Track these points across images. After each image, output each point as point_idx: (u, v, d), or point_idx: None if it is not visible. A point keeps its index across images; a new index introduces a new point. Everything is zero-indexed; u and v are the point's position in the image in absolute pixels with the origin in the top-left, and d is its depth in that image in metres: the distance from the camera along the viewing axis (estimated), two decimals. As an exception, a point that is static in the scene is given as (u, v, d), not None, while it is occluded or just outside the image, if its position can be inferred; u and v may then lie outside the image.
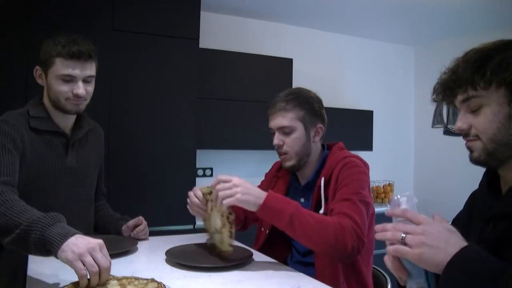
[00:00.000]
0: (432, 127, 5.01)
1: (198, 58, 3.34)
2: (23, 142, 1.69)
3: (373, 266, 1.78)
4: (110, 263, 1.19)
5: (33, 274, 1.36)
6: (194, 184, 3.32)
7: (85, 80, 1.75)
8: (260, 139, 3.83)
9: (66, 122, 1.84)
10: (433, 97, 1.15)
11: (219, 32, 4.18)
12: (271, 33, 4.48)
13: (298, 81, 4.32)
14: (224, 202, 1.45)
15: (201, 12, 3.38)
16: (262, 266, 1.54)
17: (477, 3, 3.72)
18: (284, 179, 1.94)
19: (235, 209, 1.93)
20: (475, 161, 1.06)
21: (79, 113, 1.87)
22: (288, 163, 1.81)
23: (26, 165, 1.70)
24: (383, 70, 5.18)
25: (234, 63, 3.92)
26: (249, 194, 1.46)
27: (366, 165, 1.79)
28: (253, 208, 1.47)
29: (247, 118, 3.86)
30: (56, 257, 1.19)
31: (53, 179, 1.78)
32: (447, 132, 4.83)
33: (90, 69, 1.76)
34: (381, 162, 4.93)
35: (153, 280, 1.21)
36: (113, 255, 1.57)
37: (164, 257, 1.57)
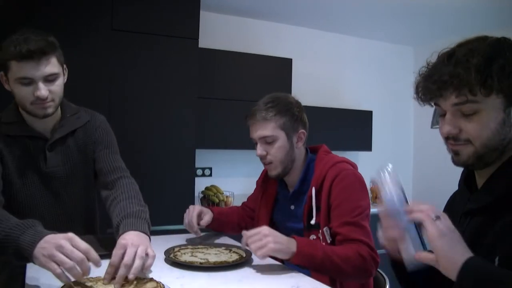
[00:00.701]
0: (431, 127, 5.03)
1: (198, 58, 3.34)
2: (1, 151, 1.61)
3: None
4: (85, 250, 1.17)
5: (32, 275, 1.35)
6: (193, 183, 3.33)
7: (47, 80, 1.55)
8: (259, 139, 3.84)
9: (44, 124, 1.69)
10: (415, 95, 1.16)
11: (218, 32, 4.18)
12: (270, 33, 4.48)
13: (298, 81, 4.33)
14: (258, 254, 1.46)
15: (201, 12, 3.38)
16: (261, 266, 1.54)
17: (477, 3, 3.73)
18: (272, 187, 1.93)
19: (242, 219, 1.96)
20: (462, 164, 1.06)
21: (62, 110, 1.74)
22: (274, 172, 1.80)
23: (8, 173, 1.63)
24: (383, 70, 5.18)
25: (234, 63, 3.92)
26: (280, 243, 1.48)
27: (354, 166, 1.80)
28: (285, 256, 1.49)
29: (246, 118, 3.86)
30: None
31: (37, 185, 1.69)
32: (447, 132, 4.83)
33: (48, 66, 1.54)
34: (380, 162, 4.87)
35: (152, 279, 1.21)
36: (110, 255, 1.57)
37: (163, 256, 1.57)
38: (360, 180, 1.72)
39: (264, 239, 1.45)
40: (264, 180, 1.97)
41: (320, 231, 1.68)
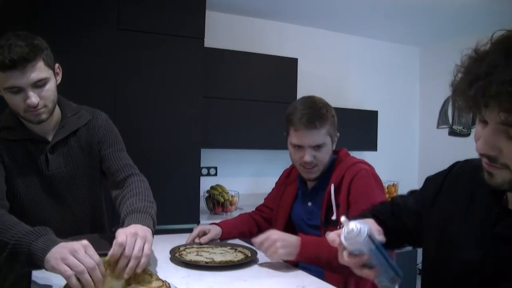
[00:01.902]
0: (437, 127, 5.02)
1: (203, 58, 3.35)
2: (1, 156, 1.60)
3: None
4: (98, 262, 1.17)
5: (38, 275, 1.36)
6: (198, 183, 3.33)
7: (36, 86, 1.50)
8: (264, 138, 3.84)
9: (44, 127, 1.65)
10: (456, 101, 0.92)
11: (224, 31, 4.18)
12: (276, 33, 4.48)
13: (303, 81, 4.33)
14: (272, 260, 1.54)
15: (206, 12, 3.38)
16: (267, 265, 1.54)
17: (482, 4, 3.71)
18: (293, 185, 1.97)
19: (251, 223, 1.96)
20: (495, 186, 0.91)
21: (61, 110, 1.71)
22: (315, 175, 1.83)
23: (11, 177, 1.61)
24: (388, 70, 5.17)
25: (239, 62, 3.92)
26: (288, 246, 1.52)
27: (371, 167, 1.83)
28: (292, 258, 1.53)
29: (252, 117, 3.86)
30: (46, 269, 1.19)
31: (40, 188, 1.66)
32: (452, 132, 4.82)
33: (35, 73, 1.48)
34: (385, 163, 4.92)
35: (157, 279, 1.22)
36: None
37: (169, 255, 1.58)
38: (377, 179, 1.77)
39: (274, 245, 1.50)
40: (286, 179, 2.03)
41: (338, 227, 1.68)
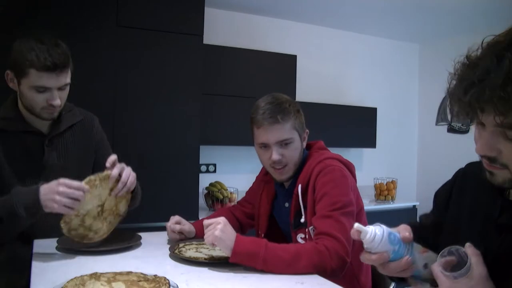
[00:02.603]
0: (436, 124, 5.02)
1: (202, 54, 3.35)
2: None
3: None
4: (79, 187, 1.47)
5: (38, 270, 1.36)
6: (197, 179, 3.34)
7: (61, 89, 1.67)
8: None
9: (42, 121, 1.75)
10: (452, 107, 0.92)
11: (223, 28, 4.18)
12: (275, 30, 4.48)
13: (302, 77, 4.33)
14: (206, 241, 1.43)
15: (205, 8, 3.38)
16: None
17: (482, 2, 3.71)
18: (271, 184, 1.88)
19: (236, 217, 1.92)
20: (497, 184, 0.93)
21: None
22: (285, 176, 1.74)
23: (4, 168, 1.67)
24: (387, 67, 5.17)
25: (238, 59, 3.92)
26: (225, 234, 1.41)
27: (347, 164, 1.72)
28: (226, 251, 1.42)
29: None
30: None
31: (32, 180, 1.66)
32: (451, 129, 4.83)
33: (65, 78, 1.66)
34: (384, 160, 4.93)
35: (156, 276, 1.22)
36: (117, 250, 1.59)
37: (168, 252, 1.58)
38: (344, 176, 1.64)
39: (215, 227, 1.42)
40: (265, 175, 1.93)
41: (307, 229, 1.64)
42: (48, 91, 1.63)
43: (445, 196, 1.19)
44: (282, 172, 1.73)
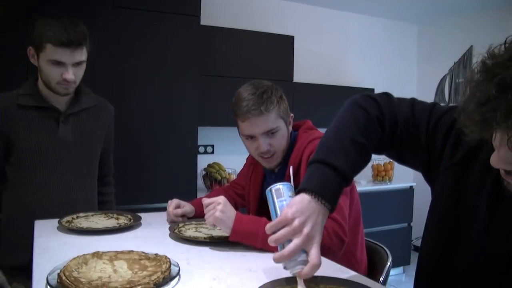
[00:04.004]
0: (434, 105, 5.02)
1: (200, 35, 3.33)
2: (7, 124, 1.81)
3: (373, 242, 1.80)
4: None
5: (40, 249, 1.38)
6: (196, 160, 3.35)
7: (75, 65, 1.79)
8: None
9: (59, 99, 1.89)
10: (464, 121, 0.84)
11: (220, 9, 4.16)
12: (272, 10, 4.45)
13: (300, 58, 4.31)
14: (207, 221, 1.44)
15: (203, -11, 3.35)
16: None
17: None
18: (260, 167, 1.88)
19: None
20: None
21: (77, 90, 1.94)
22: (274, 163, 1.74)
23: (18, 142, 1.81)
24: (385, 48, 5.16)
25: (236, 40, 3.90)
26: (225, 214, 1.42)
27: None
28: (226, 230, 1.43)
29: (248, 95, 3.86)
30: None
31: (46, 153, 1.85)
32: (448, 110, 4.83)
33: (80, 55, 1.79)
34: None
35: (157, 255, 1.24)
36: (117, 230, 1.62)
37: (168, 232, 1.60)
38: None
39: (215, 207, 1.43)
40: (253, 159, 1.92)
41: None
42: (63, 66, 1.75)
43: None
44: (271, 161, 1.73)
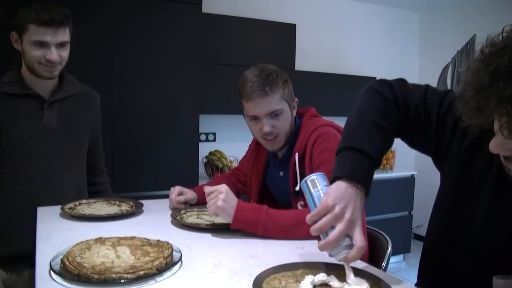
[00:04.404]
0: (435, 94, 5.01)
1: (201, 23, 3.32)
2: None
3: (373, 229, 1.81)
4: None
5: (43, 235, 1.39)
6: (197, 148, 3.36)
7: (59, 46, 1.77)
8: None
9: (43, 85, 1.86)
10: (461, 108, 0.86)
11: (222, -4, 4.14)
12: (274, -2, 4.43)
13: (301, 46, 4.30)
14: (209, 210, 1.45)
15: (204, -24, 3.34)
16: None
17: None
18: (263, 153, 1.90)
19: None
20: None
21: (60, 77, 1.91)
22: (277, 146, 1.75)
23: (4, 130, 1.78)
24: (388, 36, 5.14)
25: (237, 28, 3.89)
26: (227, 203, 1.43)
27: (339, 129, 1.70)
28: (228, 219, 1.44)
29: (250, 83, 3.85)
30: None
31: (32, 140, 1.82)
32: (450, 99, 4.82)
33: (63, 35, 1.76)
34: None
35: (159, 241, 1.25)
36: (119, 217, 1.62)
37: (170, 219, 1.61)
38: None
39: (217, 196, 1.44)
40: (256, 146, 1.94)
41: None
42: (47, 47, 1.73)
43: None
44: (274, 143, 1.74)
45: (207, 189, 1.50)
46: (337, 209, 0.98)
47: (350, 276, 0.99)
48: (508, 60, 0.75)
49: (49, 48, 1.73)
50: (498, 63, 0.76)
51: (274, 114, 1.68)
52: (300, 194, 1.69)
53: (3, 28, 1.84)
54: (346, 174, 1.03)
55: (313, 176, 1.11)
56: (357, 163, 1.06)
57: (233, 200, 1.46)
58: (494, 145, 0.84)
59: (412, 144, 1.23)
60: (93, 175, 2.13)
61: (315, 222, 1.00)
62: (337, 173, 1.05)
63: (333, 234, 0.97)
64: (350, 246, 0.99)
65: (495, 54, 0.79)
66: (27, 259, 1.62)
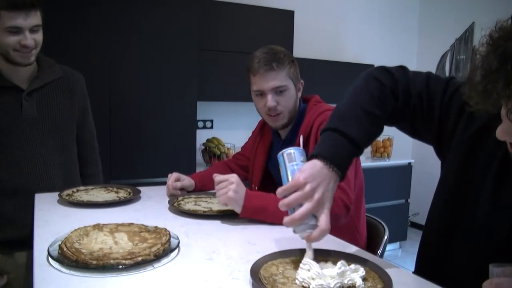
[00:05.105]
0: (434, 82, 5.01)
1: (199, 10, 3.30)
2: None
3: (371, 216, 1.82)
4: None
5: (41, 222, 1.39)
6: (195, 136, 3.35)
7: (32, 30, 1.74)
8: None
9: (21, 75, 1.84)
10: (468, 92, 0.85)
11: (220, -18, 4.10)
12: (273, -16, 4.40)
13: (299, 33, 4.28)
14: (219, 199, 1.46)
15: (202, -39, 3.31)
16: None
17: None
18: (267, 136, 1.95)
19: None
20: None
21: (39, 63, 1.89)
22: (280, 122, 1.79)
23: None
24: (386, 23, 5.11)
25: (236, 14, 3.87)
26: (238, 192, 1.44)
27: None
28: (237, 209, 1.45)
29: (248, 70, 3.84)
30: None
31: (15, 132, 1.80)
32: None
33: (35, 18, 1.74)
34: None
35: (156, 227, 1.25)
36: (117, 203, 1.63)
37: (167, 205, 1.61)
38: None
39: (228, 186, 1.45)
40: (261, 129, 1.99)
41: None
42: (21, 32, 1.71)
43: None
44: (277, 119, 1.77)
45: (217, 177, 1.51)
46: (308, 187, 0.97)
47: (308, 254, 1.01)
48: None
49: (23, 33, 1.71)
50: (506, 46, 0.76)
51: (279, 91, 1.73)
52: None
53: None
54: (325, 154, 1.02)
55: (290, 150, 1.10)
56: (339, 146, 1.04)
57: (243, 190, 1.47)
58: (501, 132, 0.84)
59: (413, 133, 1.22)
60: (80, 165, 2.09)
61: (285, 197, 1.00)
62: (316, 151, 1.04)
63: (298, 212, 0.97)
64: (314, 226, 0.99)
65: (503, 37, 0.78)
66: (18, 242, 1.69)
